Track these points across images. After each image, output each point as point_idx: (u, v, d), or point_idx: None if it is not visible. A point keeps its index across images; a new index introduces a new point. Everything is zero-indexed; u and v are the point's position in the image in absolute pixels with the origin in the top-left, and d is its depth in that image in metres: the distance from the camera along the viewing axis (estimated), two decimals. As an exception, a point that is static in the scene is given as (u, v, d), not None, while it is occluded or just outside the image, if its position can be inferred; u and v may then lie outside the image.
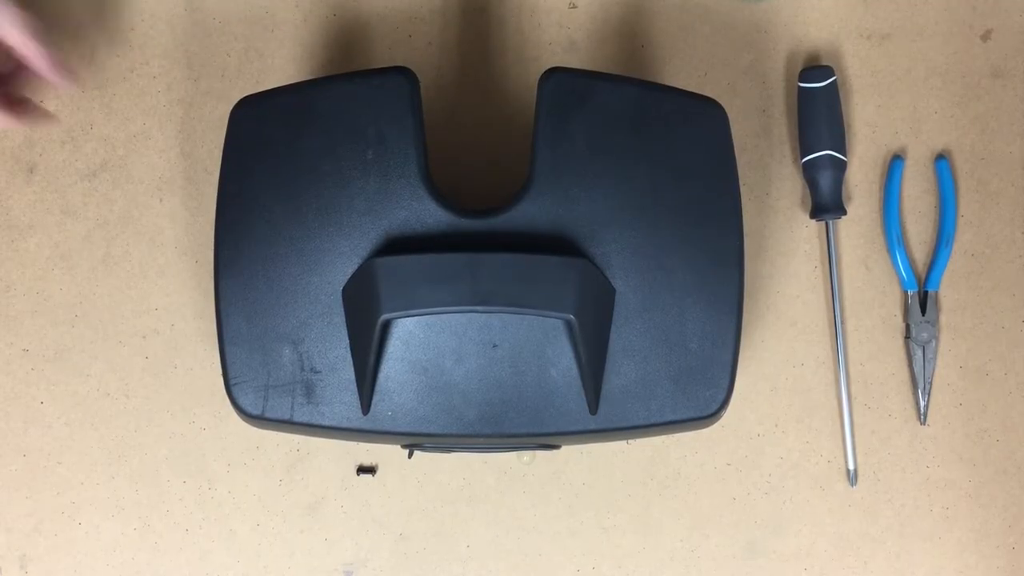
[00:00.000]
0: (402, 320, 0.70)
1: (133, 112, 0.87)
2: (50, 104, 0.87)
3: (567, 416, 0.72)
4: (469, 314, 0.70)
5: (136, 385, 0.85)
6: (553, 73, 0.74)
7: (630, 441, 0.85)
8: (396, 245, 0.72)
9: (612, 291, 0.72)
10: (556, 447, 0.77)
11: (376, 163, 0.73)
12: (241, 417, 0.73)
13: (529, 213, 0.73)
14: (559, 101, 0.73)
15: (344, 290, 0.72)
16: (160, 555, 0.84)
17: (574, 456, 0.85)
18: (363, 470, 0.84)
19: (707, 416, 0.73)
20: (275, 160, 0.73)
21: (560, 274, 0.69)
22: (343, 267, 0.72)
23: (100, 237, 0.86)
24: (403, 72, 0.74)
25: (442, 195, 0.73)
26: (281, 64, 0.88)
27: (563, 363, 0.71)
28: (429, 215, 0.73)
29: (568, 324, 0.69)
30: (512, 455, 0.85)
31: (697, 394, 0.72)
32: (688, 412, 0.72)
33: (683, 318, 0.72)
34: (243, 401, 0.73)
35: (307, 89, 0.75)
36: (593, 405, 0.71)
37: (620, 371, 0.72)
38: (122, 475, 0.85)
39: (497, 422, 0.72)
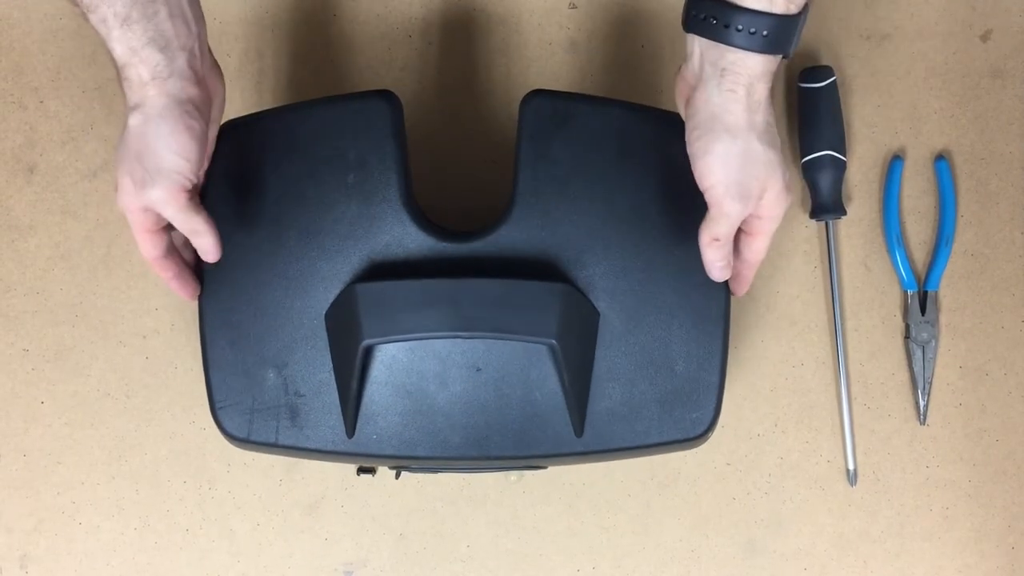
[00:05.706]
0: (385, 344, 0.70)
1: (133, 112, 0.87)
2: (50, 103, 0.87)
3: (552, 439, 0.71)
4: (452, 339, 0.70)
5: (136, 385, 0.85)
6: (534, 96, 0.73)
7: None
8: (378, 270, 0.72)
9: (596, 314, 0.72)
10: (542, 467, 0.77)
11: (357, 187, 0.72)
12: (227, 439, 0.73)
13: (511, 236, 0.72)
14: (541, 124, 0.73)
15: (327, 315, 0.72)
16: (160, 555, 0.84)
17: (574, 456, 0.85)
18: (363, 470, 0.84)
19: (693, 438, 0.72)
20: (258, 184, 0.73)
21: (542, 300, 0.68)
22: (325, 292, 0.72)
23: (100, 237, 0.86)
24: (384, 96, 0.73)
25: (424, 218, 0.73)
26: (281, 64, 0.88)
27: (547, 386, 0.70)
28: (411, 239, 0.72)
29: (551, 349, 0.69)
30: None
31: (683, 416, 0.72)
32: (674, 434, 0.72)
33: (668, 340, 0.72)
34: (228, 424, 0.73)
35: (289, 113, 0.75)
36: (578, 428, 0.71)
37: (605, 393, 0.71)
38: (122, 475, 0.85)
39: (482, 445, 0.71)
